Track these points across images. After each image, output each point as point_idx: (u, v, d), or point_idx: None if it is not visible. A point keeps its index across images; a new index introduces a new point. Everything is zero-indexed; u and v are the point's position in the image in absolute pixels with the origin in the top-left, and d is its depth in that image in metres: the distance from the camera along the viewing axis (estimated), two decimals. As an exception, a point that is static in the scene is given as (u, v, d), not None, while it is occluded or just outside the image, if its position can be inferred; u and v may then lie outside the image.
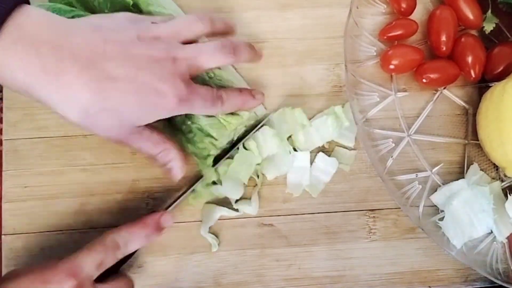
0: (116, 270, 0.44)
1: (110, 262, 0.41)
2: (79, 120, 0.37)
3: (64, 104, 0.36)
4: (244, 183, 0.48)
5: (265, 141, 0.48)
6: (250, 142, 0.48)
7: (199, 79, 0.45)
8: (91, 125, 0.38)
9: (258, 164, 0.48)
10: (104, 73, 0.36)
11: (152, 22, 0.41)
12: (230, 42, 0.43)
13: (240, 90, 0.45)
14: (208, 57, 0.41)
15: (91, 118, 0.37)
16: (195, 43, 0.43)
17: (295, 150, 0.49)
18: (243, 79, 0.50)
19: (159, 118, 0.40)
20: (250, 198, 0.49)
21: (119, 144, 0.41)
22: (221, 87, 0.46)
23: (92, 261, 0.39)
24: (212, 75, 0.46)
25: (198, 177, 0.47)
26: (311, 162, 0.49)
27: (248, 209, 0.48)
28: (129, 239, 0.42)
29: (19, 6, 0.35)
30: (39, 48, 0.35)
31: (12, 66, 0.34)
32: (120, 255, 0.41)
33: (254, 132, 0.48)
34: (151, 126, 0.41)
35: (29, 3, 0.37)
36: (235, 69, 0.50)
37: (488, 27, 0.52)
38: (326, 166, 0.49)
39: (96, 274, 0.40)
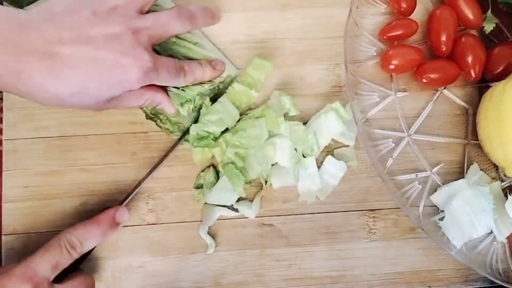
0: (75, 268, 0.44)
1: (66, 262, 0.41)
2: (55, 105, 0.39)
3: (34, 95, 0.38)
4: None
5: (282, 150, 0.48)
6: (268, 147, 0.48)
7: (164, 45, 0.46)
8: (68, 106, 0.40)
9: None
10: (63, 60, 0.37)
11: None
12: (187, 9, 0.43)
13: (200, 62, 0.46)
14: (168, 26, 0.42)
15: (65, 102, 0.39)
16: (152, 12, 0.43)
17: (303, 156, 0.49)
18: (215, 46, 0.50)
19: (129, 89, 0.41)
20: (251, 200, 0.49)
21: (105, 110, 0.42)
22: (186, 58, 0.47)
23: (47, 263, 0.40)
24: (174, 39, 0.47)
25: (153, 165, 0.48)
26: (318, 165, 0.49)
27: (248, 212, 0.48)
28: (85, 238, 0.42)
29: None
30: None
31: None
32: (76, 254, 0.42)
33: (226, 89, 0.48)
34: None
35: None
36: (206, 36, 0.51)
37: (488, 27, 0.52)
38: (335, 169, 0.49)
39: (52, 275, 0.40)
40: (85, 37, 0.38)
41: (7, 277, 0.39)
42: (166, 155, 0.48)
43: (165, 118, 0.47)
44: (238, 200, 0.49)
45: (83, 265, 0.45)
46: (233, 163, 0.46)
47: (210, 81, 0.47)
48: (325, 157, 0.49)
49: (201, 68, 0.46)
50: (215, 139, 0.47)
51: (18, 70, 0.36)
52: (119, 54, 0.39)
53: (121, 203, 0.46)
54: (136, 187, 0.47)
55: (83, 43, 0.38)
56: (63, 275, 0.42)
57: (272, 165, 0.49)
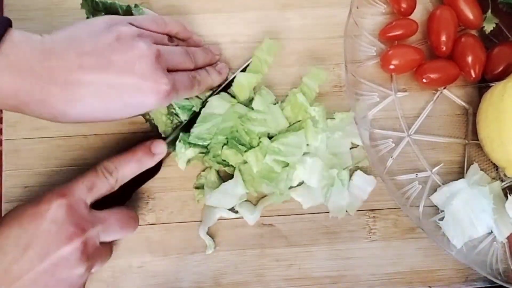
0: (122, 203, 0.45)
1: (102, 186, 0.41)
2: (77, 123, 0.40)
3: (59, 120, 0.39)
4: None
5: (312, 171, 0.48)
6: (298, 168, 0.47)
7: None
8: (90, 123, 0.41)
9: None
10: (84, 87, 0.38)
11: (129, 23, 0.41)
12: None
13: (206, 69, 0.47)
14: (182, 58, 0.44)
15: (87, 122, 0.40)
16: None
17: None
18: None
19: (150, 111, 0.42)
20: (254, 204, 0.49)
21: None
22: None
23: (83, 184, 0.40)
24: None
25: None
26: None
27: (248, 217, 0.48)
28: (120, 164, 0.42)
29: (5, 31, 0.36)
30: (23, 77, 0.36)
31: (2, 93, 0.36)
32: (113, 179, 0.42)
33: (219, 90, 0.48)
34: None
35: (11, 25, 0.38)
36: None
37: (488, 27, 0.52)
38: (364, 184, 0.49)
39: (89, 197, 0.41)
40: (106, 63, 0.38)
41: (44, 195, 0.40)
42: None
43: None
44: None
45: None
46: (272, 170, 0.46)
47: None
48: (353, 171, 0.50)
49: (209, 76, 0.46)
50: (250, 147, 0.47)
51: (42, 99, 0.37)
52: (139, 78, 0.39)
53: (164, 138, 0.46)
54: (178, 127, 0.47)
55: (103, 69, 0.38)
56: (106, 207, 0.42)
57: (300, 184, 0.49)
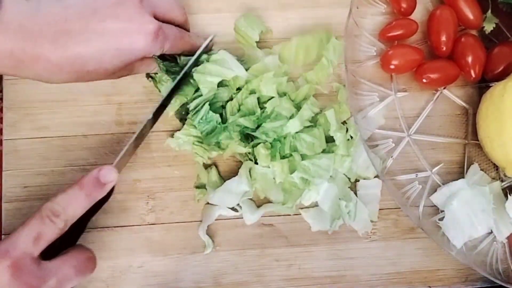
0: (73, 243, 0.41)
1: (50, 233, 0.37)
2: (75, 82, 0.42)
3: (56, 78, 0.40)
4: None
5: (326, 195, 0.48)
6: (314, 190, 0.48)
7: None
8: (86, 80, 0.42)
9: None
10: (73, 38, 0.38)
11: None
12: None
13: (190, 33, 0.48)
14: (170, 7, 0.44)
15: (83, 78, 0.41)
16: None
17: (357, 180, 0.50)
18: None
19: (141, 57, 0.42)
20: (257, 204, 0.49)
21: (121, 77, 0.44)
22: None
23: (27, 236, 0.36)
24: None
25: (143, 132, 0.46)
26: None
27: (248, 216, 0.48)
28: (67, 203, 0.38)
29: None
30: (16, 35, 0.37)
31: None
32: (61, 222, 0.37)
33: (199, 56, 0.48)
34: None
35: None
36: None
37: (488, 27, 0.52)
38: (371, 189, 0.50)
39: (37, 249, 0.37)
40: (91, 11, 0.39)
41: None
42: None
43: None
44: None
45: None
46: (295, 185, 0.47)
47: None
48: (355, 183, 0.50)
49: (191, 36, 0.47)
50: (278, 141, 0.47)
51: (36, 54, 0.38)
52: (125, 22, 0.40)
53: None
54: (129, 144, 0.44)
55: (88, 17, 0.39)
56: (59, 252, 0.38)
57: (312, 205, 0.49)
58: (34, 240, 0.36)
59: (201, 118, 0.46)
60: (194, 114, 0.46)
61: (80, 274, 0.39)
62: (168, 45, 0.43)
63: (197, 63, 0.47)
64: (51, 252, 0.38)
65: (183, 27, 0.47)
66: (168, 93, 0.45)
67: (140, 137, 0.45)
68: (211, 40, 0.49)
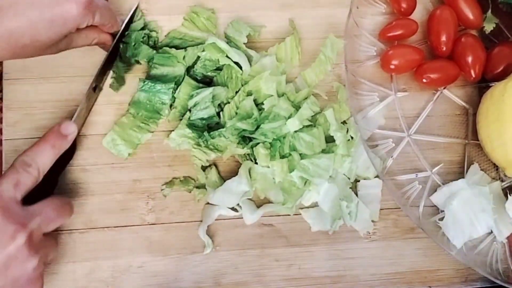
0: (51, 192, 0.46)
1: (27, 180, 0.41)
2: (12, 58, 0.41)
3: None
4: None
5: (326, 195, 0.48)
6: (314, 189, 0.48)
7: None
8: (24, 56, 0.41)
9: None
10: (3, 13, 0.38)
11: None
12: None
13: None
14: None
15: (20, 53, 0.40)
16: None
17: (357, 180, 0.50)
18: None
19: (75, 27, 0.42)
20: (256, 205, 0.49)
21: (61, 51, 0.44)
22: None
23: (7, 184, 0.40)
24: None
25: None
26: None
27: (248, 216, 0.48)
28: (36, 154, 0.42)
29: None
30: None
31: None
32: (34, 171, 0.41)
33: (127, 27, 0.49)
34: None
35: None
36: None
37: (488, 27, 0.52)
38: (371, 189, 0.50)
39: (18, 194, 0.40)
40: None
41: None
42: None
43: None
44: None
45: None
46: (294, 184, 0.47)
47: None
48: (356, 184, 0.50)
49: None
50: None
51: None
52: None
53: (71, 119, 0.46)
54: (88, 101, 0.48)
55: None
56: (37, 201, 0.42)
57: (312, 205, 0.49)
58: (14, 186, 0.40)
59: (198, 105, 0.46)
60: (193, 106, 0.47)
61: (61, 216, 0.43)
62: (98, 15, 0.43)
63: (124, 35, 0.48)
64: (31, 201, 0.41)
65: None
66: (101, 66, 0.48)
67: (90, 99, 0.48)
68: (136, 8, 0.50)
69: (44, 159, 0.42)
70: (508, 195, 0.48)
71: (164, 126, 0.49)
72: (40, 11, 0.39)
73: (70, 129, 0.44)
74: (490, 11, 0.52)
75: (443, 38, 0.50)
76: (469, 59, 0.49)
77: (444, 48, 0.50)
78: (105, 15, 0.44)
